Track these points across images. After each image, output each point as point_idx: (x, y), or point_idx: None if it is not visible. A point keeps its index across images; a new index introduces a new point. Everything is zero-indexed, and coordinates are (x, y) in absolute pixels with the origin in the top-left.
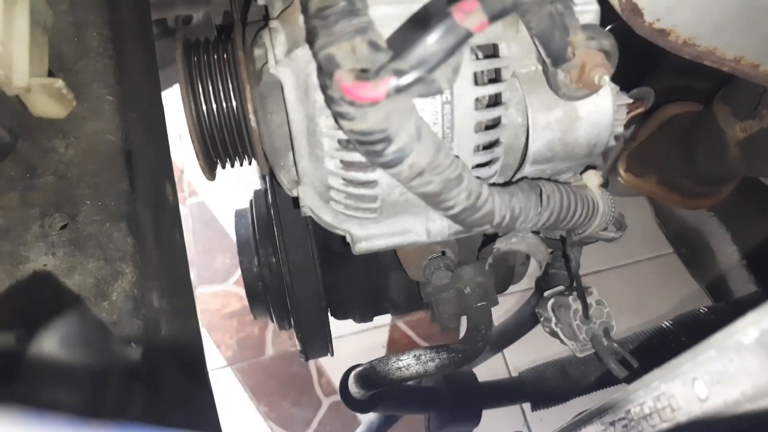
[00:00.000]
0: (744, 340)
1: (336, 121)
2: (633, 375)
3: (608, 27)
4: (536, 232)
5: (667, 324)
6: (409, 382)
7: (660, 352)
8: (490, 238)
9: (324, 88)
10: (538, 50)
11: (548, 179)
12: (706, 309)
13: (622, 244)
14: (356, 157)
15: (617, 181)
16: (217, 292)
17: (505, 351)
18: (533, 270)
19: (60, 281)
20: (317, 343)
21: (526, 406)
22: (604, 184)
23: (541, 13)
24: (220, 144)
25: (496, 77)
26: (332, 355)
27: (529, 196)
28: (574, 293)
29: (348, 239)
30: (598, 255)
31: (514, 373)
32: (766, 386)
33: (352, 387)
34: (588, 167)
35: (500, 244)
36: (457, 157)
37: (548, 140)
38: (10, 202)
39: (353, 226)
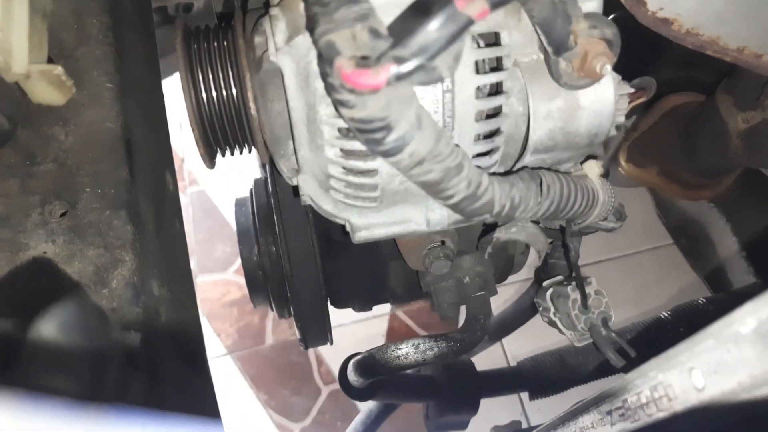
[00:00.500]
0: (742, 330)
1: (336, 109)
2: (630, 365)
3: (611, 16)
4: (536, 222)
5: (666, 315)
6: (408, 371)
7: (658, 343)
8: (489, 228)
9: (324, 76)
10: (539, 39)
11: (548, 169)
12: (704, 300)
13: (623, 234)
14: (356, 145)
15: (618, 172)
16: (218, 280)
17: (504, 340)
18: (532, 260)
19: (60, 268)
20: (317, 331)
21: (525, 395)
22: (605, 174)
23: (543, 1)
24: (220, 132)
25: (497, 66)
26: (331, 343)
27: (530, 185)
28: (573, 283)
29: (348, 228)
30: (598, 245)
31: (513, 363)
32: (764, 376)
33: (351, 375)
34: (588, 157)
35: (500, 234)
36: (457, 146)
37: (549, 129)
38: (10, 189)
39: (353, 215)
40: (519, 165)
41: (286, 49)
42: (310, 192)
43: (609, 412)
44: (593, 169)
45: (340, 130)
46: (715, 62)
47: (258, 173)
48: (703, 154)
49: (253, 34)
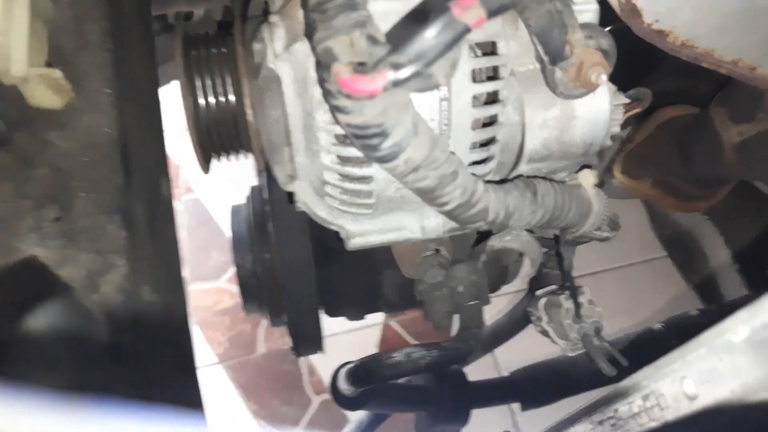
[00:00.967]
0: (734, 339)
1: (333, 115)
2: (623, 374)
3: (608, 28)
4: (531, 231)
5: (659, 326)
6: (400, 380)
7: (651, 354)
8: (483, 237)
9: (321, 82)
10: (536, 48)
11: (543, 178)
12: (697, 311)
13: (617, 246)
14: (352, 152)
15: (613, 183)
16: (210, 289)
17: (496, 351)
18: (526, 270)
19: (51, 272)
20: (309, 339)
21: (516, 406)
22: (599, 184)
23: (540, 10)
24: (217, 138)
25: (494, 75)
26: (324, 352)
27: (524, 194)
28: (566, 292)
29: (342, 235)
30: (593, 257)
31: (504, 373)
32: (756, 385)
33: (342, 384)
34: (583, 166)
35: (494, 242)
36: (452, 153)
37: (545, 138)
38: (4, 192)
39: (348, 222)
40: (514, 174)
41: (284, 56)
42: (306, 198)
43: (601, 422)
44: (588, 179)
45: (336, 136)
46: (711, 74)
47: (254, 181)
48: (697, 166)
49: (252, 41)
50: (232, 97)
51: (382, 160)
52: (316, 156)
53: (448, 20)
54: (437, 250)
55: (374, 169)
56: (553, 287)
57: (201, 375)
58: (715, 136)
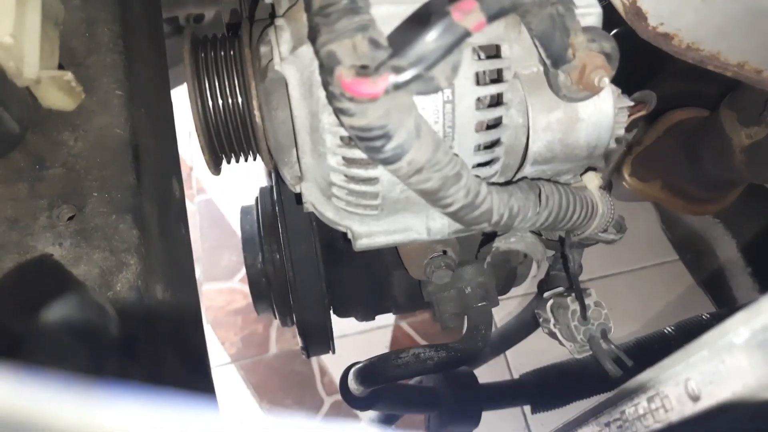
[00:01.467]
0: (735, 340)
1: (337, 117)
2: (630, 377)
3: (613, 31)
4: (538, 234)
5: (670, 329)
6: (410, 382)
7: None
8: (488, 238)
9: (325, 85)
10: (538, 51)
11: (548, 180)
12: (709, 315)
13: (627, 249)
14: (358, 154)
15: (622, 186)
16: (223, 289)
17: (508, 353)
18: (536, 273)
19: (65, 269)
20: (319, 339)
21: (527, 408)
22: (606, 187)
23: (542, 14)
24: (225, 139)
25: (497, 78)
26: (333, 352)
27: (528, 195)
28: (573, 294)
29: (349, 235)
30: (603, 260)
31: (516, 375)
32: (758, 386)
33: (352, 384)
34: (588, 169)
35: (499, 243)
36: (456, 155)
37: (549, 141)
38: (19, 192)
39: (354, 223)
40: (519, 176)
41: (290, 59)
42: (313, 199)
43: (607, 424)
44: (593, 181)
45: (342, 138)
46: (718, 77)
47: (265, 182)
48: (706, 168)
49: (259, 43)
50: (239, 99)
51: (385, 162)
52: (323, 157)
53: (448, 24)
54: (444, 252)
55: (379, 171)
56: (560, 289)
57: (214, 374)
58: (724, 138)
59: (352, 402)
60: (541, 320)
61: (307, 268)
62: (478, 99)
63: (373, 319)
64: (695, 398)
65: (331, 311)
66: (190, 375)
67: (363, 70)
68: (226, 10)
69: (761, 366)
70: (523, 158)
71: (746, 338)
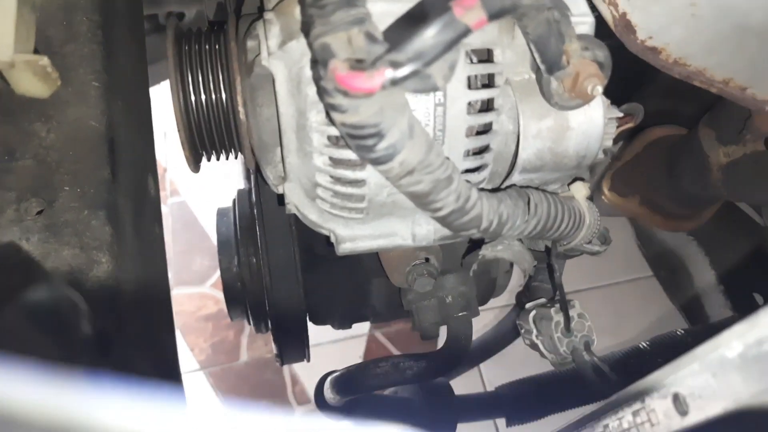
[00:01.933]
0: (728, 354)
1: (328, 115)
2: (611, 390)
3: None
4: (520, 242)
5: (645, 344)
6: (386, 392)
7: (636, 372)
8: (473, 248)
9: (317, 80)
10: (532, 57)
11: (536, 188)
12: (683, 331)
13: (602, 265)
14: (345, 154)
15: (601, 200)
16: (194, 294)
17: (482, 365)
18: (513, 285)
19: (34, 263)
20: (294, 347)
21: (501, 421)
22: (590, 198)
23: (539, 18)
24: (207, 135)
25: (489, 83)
26: (308, 360)
27: (517, 203)
28: (556, 305)
29: (332, 239)
30: (578, 275)
31: (490, 388)
32: (749, 401)
33: (328, 392)
34: (576, 179)
35: (485, 251)
36: (447, 158)
37: (538, 149)
38: None
39: (338, 226)
40: (507, 183)
41: (278, 54)
42: (296, 201)
43: None
44: (580, 191)
45: (329, 138)
46: (697, 96)
47: (242, 185)
48: (684, 185)
49: (246, 38)
50: (223, 94)
51: (376, 162)
52: (309, 157)
53: (449, 20)
54: (427, 259)
55: (367, 173)
56: (542, 300)
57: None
58: (703, 156)
59: (327, 411)
60: (522, 331)
61: (285, 273)
62: (470, 103)
63: (350, 327)
64: (683, 412)
65: (308, 318)
66: (159, 377)
67: (358, 64)
68: (210, 5)
69: (754, 381)
70: (512, 165)
71: (739, 352)
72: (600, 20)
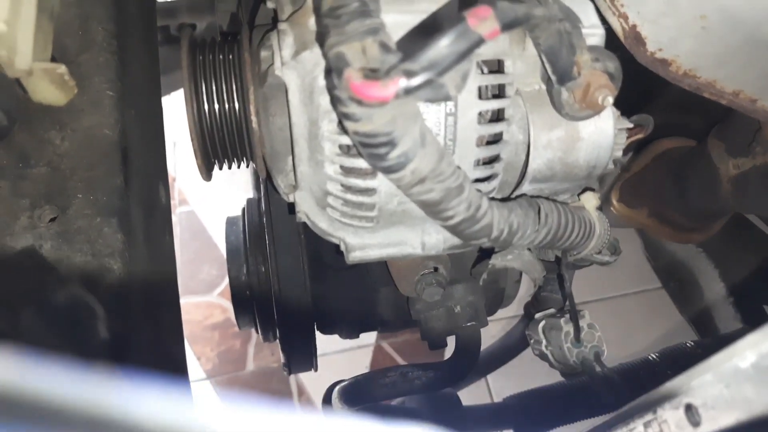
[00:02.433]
0: (741, 365)
1: (340, 123)
2: (621, 402)
3: None
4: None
5: (654, 356)
6: (393, 402)
7: (645, 384)
8: (482, 257)
9: (331, 89)
10: (543, 68)
11: (547, 198)
12: (692, 343)
13: (611, 276)
14: (357, 163)
15: (610, 212)
16: (201, 302)
17: (488, 376)
18: (521, 295)
19: (53, 267)
20: (302, 356)
21: None
22: (600, 208)
23: (551, 29)
24: (219, 144)
25: (499, 93)
26: (316, 370)
27: (528, 212)
28: (566, 316)
29: (342, 247)
30: (586, 286)
31: (497, 399)
32: (763, 412)
33: (336, 402)
34: (586, 189)
35: (495, 260)
36: (458, 167)
37: (548, 159)
38: (1, 191)
39: (348, 235)
40: (517, 193)
41: (292, 64)
42: (307, 209)
43: None
44: (590, 201)
45: (341, 146)
46: (705, 109)
47: (251, 194)
48: (693, 197)
49: (260, 48)
50: (236, 104)
51: (388, 171)
52: (320, 166)
53: (463, 30)
54: (436, 269)
55: (378, 182)
56: (552, 310)
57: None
58: (712, 168)
59: None
60: (532, 341)
61: (294, 282)
62: (480, 113)
63: (357, 336)
64: (696, 423)
65: (315, 327)
66: (168, 385)
67: (373, 74)
68: (223, 15)
69: (767, 391)
70: (522, 175)
71: (752, 362)
72: (610, 32)
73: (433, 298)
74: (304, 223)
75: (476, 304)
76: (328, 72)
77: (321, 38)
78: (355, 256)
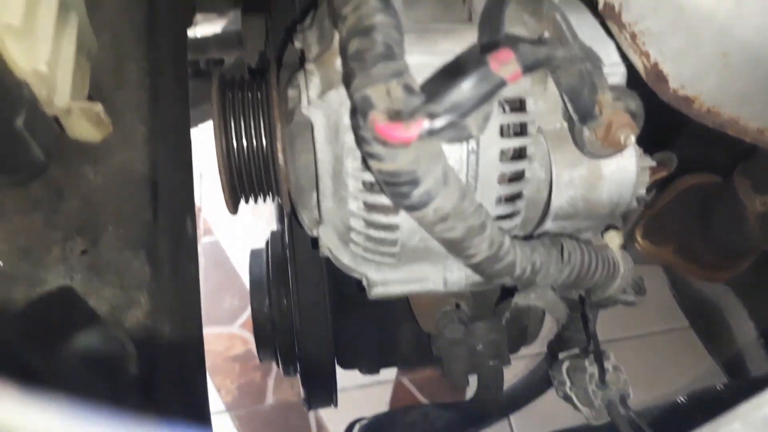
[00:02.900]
0: None
1: (365, 162)
2: None
3: None
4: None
5: (682, 399)
6: None
7: (674, 428)
8: (505, 295)
9: (356, 129)
10: (564, 107)
11: (569, 236)
12: (723, 386)
13: (636, 314)
14: (380, 199)
15: (635, 248)
16: (222, 333)
17: (511, 417)
18: (544, 333)
19: (86, 304)
20: (322, 390)
21: None
22: (624, 247)
23: (572, 70)
24: (246, 179)
25: (521, 131)
26: (336, 405)
27: (551, 250)
28: (590, 356)
29: (364, 283)
30: (611, 324)
31: None
32: None
33: None
34: (609, 227)
35: (519, 299)
36: (480, 205)
37: (571, 197)
38: (34, 223)
39: (371, 270)
40: (539, 231)
41: (318, 103)
42: (330, 244)
43: None
44: (614, 240)
45: (364, 183)
46: (732, 143)
47: (275, 227)
48: (720, 234)
49: (287, 87)
50: (264, 141)
51: (411, 209)
52: (344, 202)
53: (485, 73)
54: (458, 305)
55: (400, 218)
56: (576, 350)
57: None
58: (739, 205)
59: None
60: (555, 383)
61: (315, 316)
62: (502, 151)
63: (378, 372)
64: None
65: (336, 362)
66: (190, 419)
67: (397, 115)
68: (251, 53)
69: None
70: (545, 213)
71: None
72: (631, 68)
73: (455, 334)
74: (327, 258)
75: (499, 342)
76: (354, 112)
77: (347, 79)
78: (377, 292)
